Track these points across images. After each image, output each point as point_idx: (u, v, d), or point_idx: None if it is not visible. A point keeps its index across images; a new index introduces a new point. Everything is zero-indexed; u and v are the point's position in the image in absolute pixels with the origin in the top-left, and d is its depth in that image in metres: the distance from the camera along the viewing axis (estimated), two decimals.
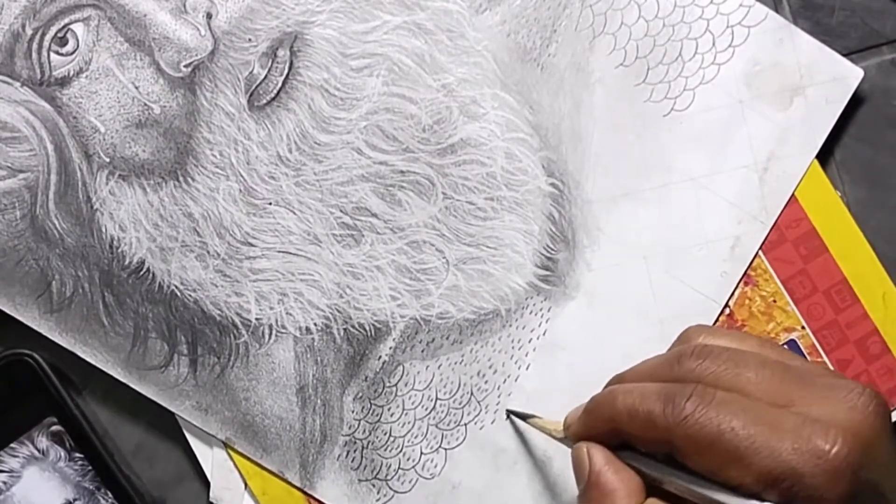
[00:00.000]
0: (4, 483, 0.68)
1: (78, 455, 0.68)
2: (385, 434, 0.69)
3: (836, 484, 0.48)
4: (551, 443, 0.63)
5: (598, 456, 0.56)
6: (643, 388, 0.54)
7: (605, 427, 0.56)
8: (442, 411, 0.69)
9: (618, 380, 0.60)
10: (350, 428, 0.69)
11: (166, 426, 0.70)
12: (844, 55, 0.70)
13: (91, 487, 0.68)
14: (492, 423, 0.69)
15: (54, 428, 0.68)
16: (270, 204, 0.68)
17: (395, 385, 0.69)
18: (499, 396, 0.69)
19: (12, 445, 0.68)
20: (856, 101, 0.71)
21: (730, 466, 0.50)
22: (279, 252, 0.68)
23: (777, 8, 0.71)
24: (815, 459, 0.48)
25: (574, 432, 0.58)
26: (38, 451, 0.68)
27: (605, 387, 0.59)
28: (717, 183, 0.69)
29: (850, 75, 0.70)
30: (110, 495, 0.68)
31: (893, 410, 0.64)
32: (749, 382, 0.53)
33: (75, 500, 0.68)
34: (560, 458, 0.69)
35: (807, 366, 0.55)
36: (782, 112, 0.70)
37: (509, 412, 0.69)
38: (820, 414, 0.50)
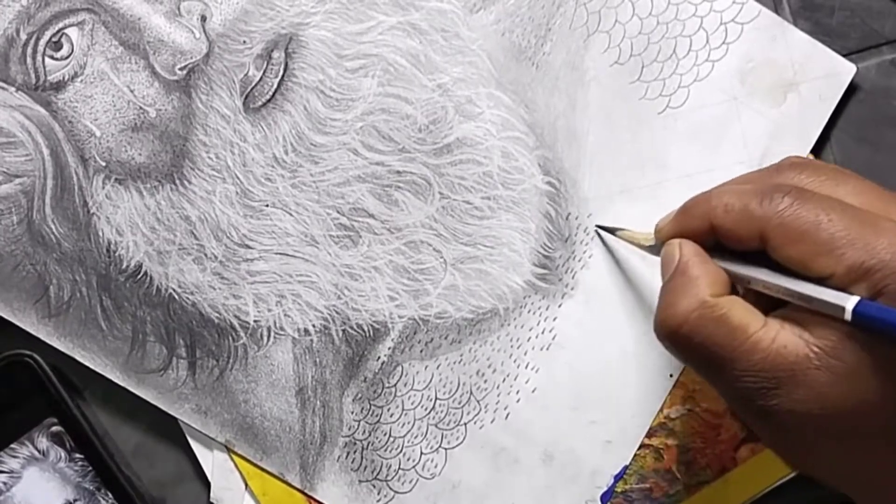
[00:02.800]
0: (5, 483, 0.67)
1: (78, 455, 0.68)
2: (385, 434, 0.68)
3: None
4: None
5: (688, 248, 0.56)
6: (741, 188, 0.54)
7: (698, 224, 0.56)
8: (441, 411, 0.68)
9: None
10: (350, 429, 0.68)
11: (166, 427, 0.70)
12: (844, 55, 0.70)
13: (91, 488, 0.68)
14: (491, 422, 0.69)
15: (54, 428, 0.68)
16: (267, 206, 0.67)
17: (395, 385, 0.68)
18: (498, 396, 0.69)
19: (12, 446, 0.68)
20: (856, 102, 0.71)
21: (822, 256, 0.49)
22: (276, 254, 0.68)
23: (777, 8, 0.71)
24: None
25: (666, 233, 0.58)
26: (39, 451, 0.68)
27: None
28: (712, 179, 0.68)
29: (843, 71, 0.69)
30: (110, 496, 0.68)
31: None
32: (848, 193, 0.53)
33: (75, 500, 0.68)
34: (561, 456, 0.68)
35: None
36: (776, 108, 0.70)
37: (598, 227, 0.69)
38: None
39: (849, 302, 0.48)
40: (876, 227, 0.49)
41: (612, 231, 0.67)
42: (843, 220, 0.50)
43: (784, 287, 0.51)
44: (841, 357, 0.49)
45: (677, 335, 0.54)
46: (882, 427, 0.50)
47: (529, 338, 0.69)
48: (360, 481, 0.68)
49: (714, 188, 0.57)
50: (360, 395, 0.68)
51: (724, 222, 0.54)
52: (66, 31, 0.67)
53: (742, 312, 0.52)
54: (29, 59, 0.67)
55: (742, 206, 0.53)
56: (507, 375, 0.68)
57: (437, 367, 0.68)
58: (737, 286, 0.55)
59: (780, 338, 0.51)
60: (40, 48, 0.67)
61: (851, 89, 0.70)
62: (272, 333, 0.68)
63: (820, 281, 0.50)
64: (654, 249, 0.60)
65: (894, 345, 0.48)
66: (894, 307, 0.47)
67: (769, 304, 0.53)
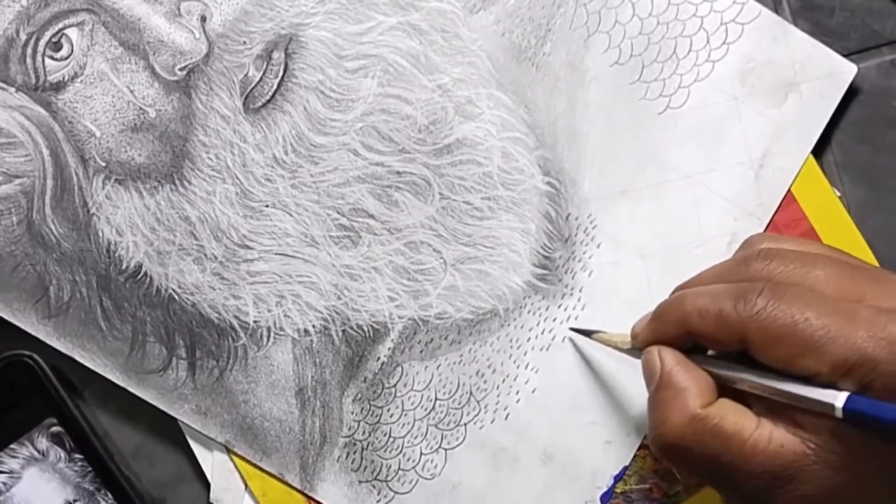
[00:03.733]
0: (4, 484, 0.67)
1: (78, 456, 0.68)
2: (385, 435, 0.68)
3: None
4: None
5: (669, 357, 0.55)
6: (712, 289, 0.54)
7: (674, 330, 0.56)
8: (441, 411, 0.68)
9: (682, 287, 0.59)
10: (349, 429, 0.68)
11: (166, 427, 0.70)
12: (844, 56, 0.69)
13: (91, 488, 0.68)
14: (491, 422, 0.68)
15: (54, 429, 0.68)
16: (267, 206, 0.67)
17: (395, 386, 0.68)
18: (498, 396, 0.68)
19: (12, 446, 0.68)
20: (856, 102, 0.71)
21: (804, 357, 0.49)
22: (276, 254, 0.68)
23: (777, 9, 0.71)
24: (892, 346, 0.48)
25: (643, 339, 0.58)
26: (38, 452, 0.68)
27: (671, 294, 0.59)
28: (712, 180, 0.69)
29: (844, 71, 0.69)
30: (110, 496, 0.68)
31: None
32: (819, 280, 0.52)
33: (75, 500, 0.68)
34: (561, 457, 0.68)
35: (873, 267, 0.55)
36: (777, 108, 0.69)
37: (572, 329, 0.68)
38: (893, 304, 0.50)
39: (837, 399, 0.48)
40: (853, 319, 0.49)
41: (587, 334, 0.67)
42: (819, 316, 0.49)
43: (771, 387, 0.51)
44: (835, 450, 0.50)
45: (675, 450, 0.54)
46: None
47: (529, 338, 0.68)
48: (359, 482, 0.68)
49: (686, 290, 0.56)
50: (359, 396, 0.68)
51: (700, 328, 0.54)
52: (65, 31, 0.67)
53: (735, 417, 0.52)
54: (29, 60, 0.67)
55: (717, 310, 0.53)
56: (507, 376, 0.68)
57: (437, 368, 0.68)
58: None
59: (776, 438, 0.51)
60: (40, 48, 0.67)
61: (852, 90, 0.70)
62: (272, 334, 0.68)
63: (806, 379, 0.50)
64: (634, 353, 0.60)
65: (882, 434, 0.48)
66: (882, 400, 0.47)
67: (756, 396, 0.54)
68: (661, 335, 0.57)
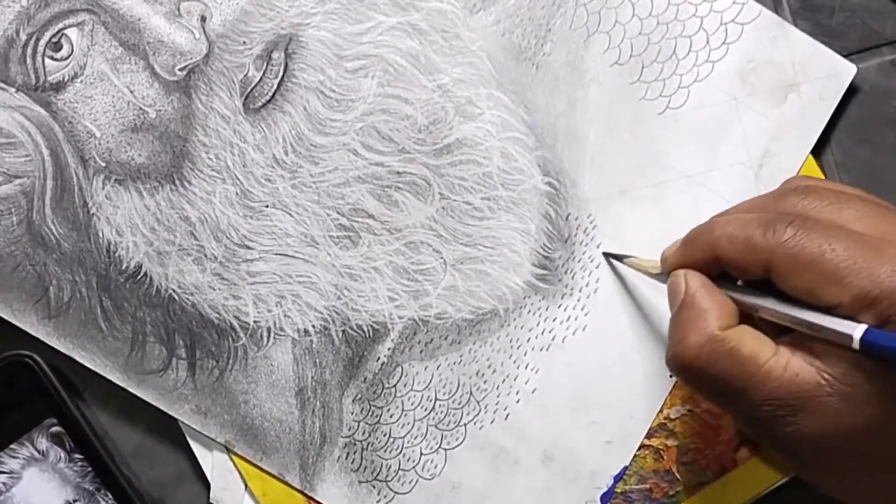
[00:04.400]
0: (4, 484, 0.67)
1: (78, 456, 0.68)
2: (385, 435, 0.68)
3: None
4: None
5: (694, 279, 0.56)
6: (743, 217, 0.55)
7: (703, 255, 0.56)
8: (441, 412, 0.68)
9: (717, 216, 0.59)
10: (349, 429, 0.68)
11: (166, 427, 0.69)
12: (844, 56, 0.69)
13: (91, 488, 0.68)
14: (491, 422, 0.68)
15: (54, 429, 0.68)
16: (267, 206, 0.67)
17: (395, 386, 0.68)
18: (498, 396, 0.68)
19: (12, 447, 0.67)
20: (856, 102, 0.71)
21: (828, 286, 0.50)
22: (276, 254, 0.67)
23: (777, 9, 0.71)
24: None
25: (671, 263, 0.59)
26: (38, 452, 0.68)
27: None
28: (712, 180, 0.69)
29: (844, 71, 0.69)
30: (110, 496, 0.67)
31: None
32: (851, 217, 0.53)
33: (75, 501, 0.67)
34: (561, 457, 0.68)
35: None
36: (777, 108, 0.69)
37: (605, 254, 0.69)
38: None
39: (856, 331, 0.48)
40: (880, 254, 0.50)
41: (619, 258, 0.68)
42: (847, 248, 0.50)
43: (791, 316, 0.52)
44: (851, 383, 0.50)
45: (690, 369, 0.54)
46: (893, 448, 0.51)
47: (529, 338, 0.68)
48: (359, 482, 0.68)
49: (717, 217, 0.57)
50: (359, 396, 0.68)
51: (728, 253, 0.54)
52: (65, 31, 0.67)
53: (752, 342, 0.53)
54: (29, 60, 0.67)
55: (746, 236, 0.53)
56: (507, 376, 0.68)
57: (437, 368, 0.68)
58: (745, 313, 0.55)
59: (792, 365, 0.51)
60: (40, 49, 0.67)
61: (852, 90, 0.70)
62: (272, 334, 0.68)
63: (827, 310, 0.50)
64: (662, 277, 0.60)
65: None
66: None
67: (779, 330, 0.54)
68: (690, 260, 0.57)
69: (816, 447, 0.52)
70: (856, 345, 0.48)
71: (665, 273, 0.59)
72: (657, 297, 0.68)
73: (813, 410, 0.51)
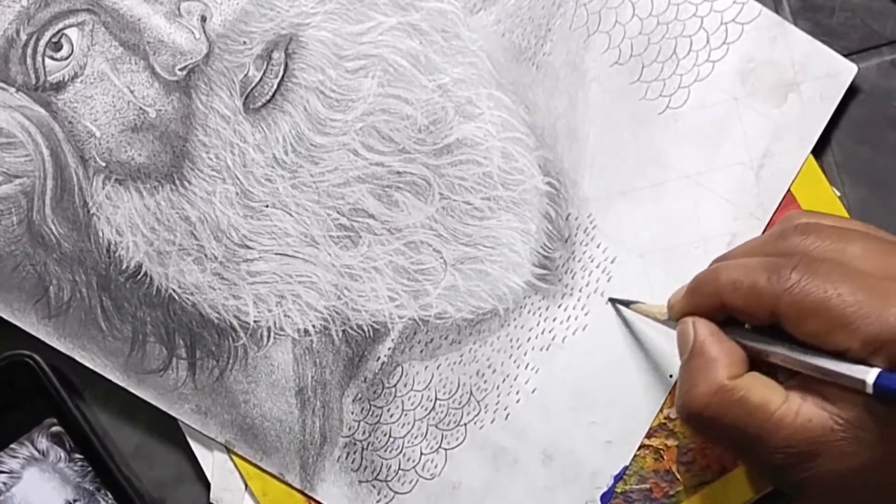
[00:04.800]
0: (4, 484, 0.67)
1: (78, 456, 0.67)
2: (385, 435, 0.68)
3: None
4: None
5: (703, 328, 0.56)
6: (747, 262, 0.55)
7: (708, 302, 0.56)
8: (441, 412, 0.68)
9: (720, 260, 0.60)
10: (350, 429, 0.68)
11: (166, 427, 0.69)
12: (844, 56, 0.69)
13: (91, 488, 0.67)
14: (491, 422, 0.68)
15: (54, 429, 0.67)
16: (267, 206, 0.67)
17: (395, 386, 0.68)
18: (498, 396, 0.68)
19: (12, 446, 0.67)
20: (856, 102, 0.70)
21: (836, 332, 0.50)
22: (276, 254, 0.67)
23: (777, 9, 0.70)
24: None
25: (678, 311, 0.59)
26: (39, 451, 0.67)
27: (708, 267, 0.59)
28: (712, 180, 0.69)
29: (844, 71, 0.69)
30: (110, 496, 0.67)
31: None
32: (854, 256, 0.53)
33: (75, 500, 0.67)
34: (561, 457, 0.68)
35: None
36: (777, 108, 0.69)
37: (612, 300, 0.68)
38: None
39: (868, 375, 0.48)
40: (886, 296, 0.49)
41: (626, 304, 0.67)
42: (853, 292, 0.50)
43: (802, 361, 0.52)
44: (864, 426, 0.50)
45: (700, 419, 0.55)
46: None
47: (529, 338, 0.68)
48: (360, 482, 0.68)
49: (721, 263, 0.57)
50: (360, 396, 0.68)
51: (733, 301, 0.54)
52: (66, 31, 0.67)
53: (762, 391, 0.53)
54: (29, 60, 0.67)
55: (750, 283, 0.53)
56: (507, 376, 0.68)
57: (437, 368, 0.68)
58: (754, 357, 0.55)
59: (804, 412, 0.51)
60: (40, 49, 0.67)
61: (852, 90, 0.69)
62: (272, 334, 0.68)
63: (837, 354, 0.50)
64: (670, 323, 0.60)
65: None
66: None
67: (789, 370, 0.54)
68: (696, 307, 0.57)
69: (831, 488, 0.52)
70: (869, 389, 0.48)
71: (672, 320, 0.60)
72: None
73: (827, 455, 0.51)
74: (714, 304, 0.56)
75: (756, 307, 0.53)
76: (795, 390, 0.53)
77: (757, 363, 0.55)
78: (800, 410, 0.51)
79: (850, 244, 0.53)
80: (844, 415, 0.50)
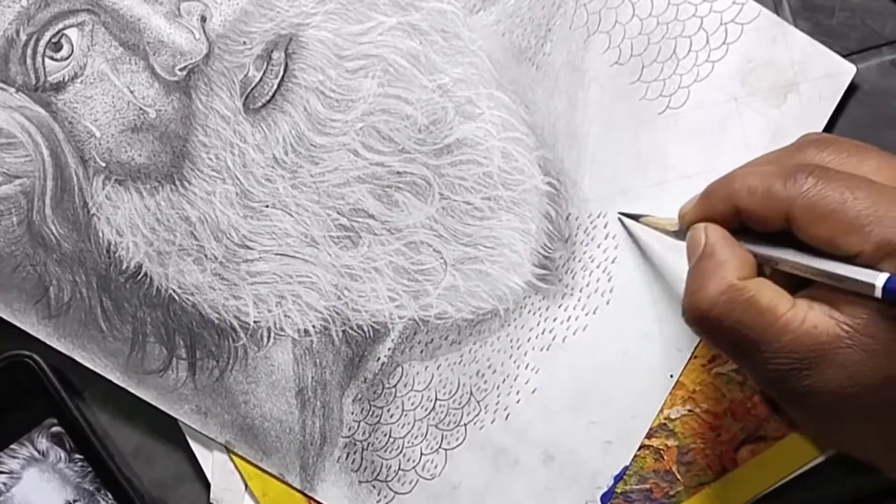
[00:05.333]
0: (4, 484, 0.67)
1: (78, 456, 0.67)
2: (385, 435, 0.68)
3: None
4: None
5: (714, 232, 0.56)
6: (763, 169, 0.54)
7: (722, 208, 0.56)
8: (441, 412, 0.68)
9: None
10: (350, 429, 0.68)
11: (166, 428, 0.69)
12: (844, 56, 0.69)
13: (91, 489, 0.67)
14: (492, 422, 0.68)
15: (54, 429, 0.67)
16: (267, 206, 0.67)
17: (395, 386, 0.68)
18: (498, 396, 0.68)
19: (12, 447, 0.67)
20: (856, 102, 0.70)
21: (849, 235, 0.50)
22: (276, 255, 0.67)
23: (777, 9, 0.70)
24: None
25: (690, 218, 0.58)
26: (39, 452, 0.67)
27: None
28: (712, 180, 0.67)
29: (843, 71, 0.69)
30: (110, 496, 0.67)
31: None
32: (871, 168, 0.53)
33: (75, 501, 0.67)
34: (561, 457, 0.68)
35: None
36: (776, 108, 0.69)
37: (621, 214, 0.68)
38: None
39: (878, 279, 0.48)
40: None
41: (635, 217, 0.67)
42: (868, 197, 0.50)
43: (812, 267, 0.51)
44: (872, 334, 0.50)
45: (706, 319, 0.54)
46: None
47: (529, 338, 0.68)
48: (360, 482, 0.68)
49: (736, 170, 0.57)
50: (360, 396, 0.68)
51: (748, 205, 0.54)
52: (65, 31, 0.67)
53: (770, 294, 0.53)
54: (29, 60, 0.67)
55: (766, 187, 0.53)
56: (507, 376, 0.68)
57: (438, 368, 0.68)
58: (764, 268, 0.55)
59: (810, 318, 0.51)
60: (40, 49, 0.66)
61: (852, 90, 0.69)
62: (272, 334, 0.68)
63: (848, 259, 0.50)
64: (679, 235, 0.60)
65: None
66: None
67: (796, 285, 0.54)
68: (709, 213, 0.57)
69: (830, 400, 0.52)
70: (878, 293, 0.48)
71: (683, 230, 0.59)
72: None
73: (830, 363, 0.51)
74: (727, 209, 0.55)
75: (770, 211, 0.53)
76: (804, 298, 0.53)
77: (767, 279, 0.55)
78: (807, 316, 0.51)
79: (866, 158, 0.54)
80: (851, 322, 0.50)
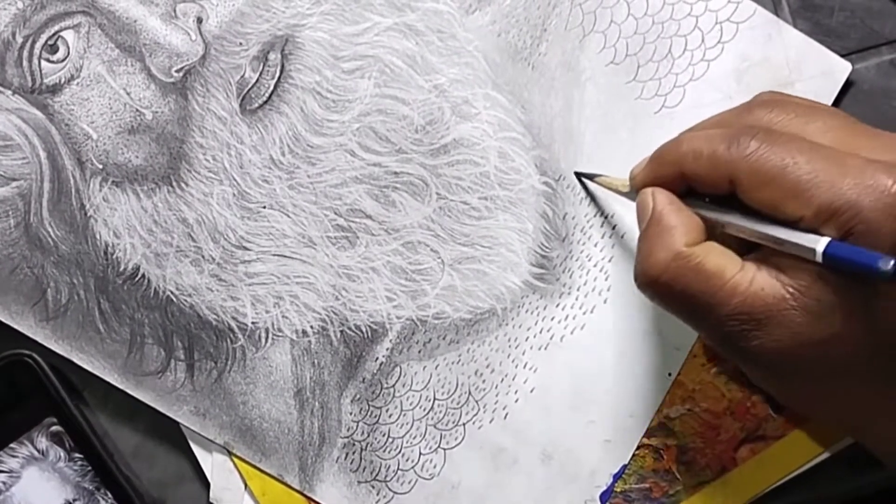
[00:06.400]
0: (4, 483, 0.67)
1: (77, 455, 0.67)
2: (383, 435, 0.68)
3: (894, 218, 0.48)
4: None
5: (662, 197, 0.56)
6: (709, 133, 0.55)
7: (670, 171, 0.57)
8: (440, 411, 0.68)
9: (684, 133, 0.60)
10: (348, 430, 0.68)
11: (166, 427, 0.69)
12: (844, 56, 0.69)
13: (91, 488, 0.67)
14: (490, 422, 0.68)
15: (54, 428, 0.67)
16: (264, 207, 0.67)
17: (393, 386, 0.68)
18: (496, 396, 0.68)
19: (12, 446, 0.67)
20: (856, 102, 0.70)
21: (790, 200, 0.50)
22: (274, 255, 0.67)
23: (776, 9, 0.70)
24: (877, 193, 0.48)
25: (640, 181, 0.59)
26: (38, 451, 0.67)
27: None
28: None
29: (839, 69, 0.69)
30: (110, 496, 0.67)
31: None
32: (817, 130, 0.53)
33: (75, 500, 0.67)
34: (560, 456, 0.68)
35: (874, 128, 0.55)
36: None
37: (577, 174, 0.68)
38: (886, 158, 0.50)
39: (818, 244, 0.49)
40: (842, 166, 0.50)
41: (590, 177, 0.67)
42: (809, 161, 0.50)
43: (756, 231, 0.52)
44: (815, 296, 0.51)
45: (657, 285, 0.55)
46: (855, 362, 0.52)
47: (527, 338, 0.68)
48: (359, 482, 0.68)
49: (684, 132, 0.58)
50: (358, 396, 0.68)
51: (693, 169, 0.55)
52: (62, 33, 0.66)
53: (718, 258, 0.53)
54: (25, 63, 0.66)
55: (710, 151, 0.53)
56: (506, 375, 0.68)
57: (436, 368, 0.68)
58: (715, 230, 0.56)
59: (757, 280, 0.52)
60: (36, 51, 0.66)
61: (852, 89, 0.69)
62: (270, 335, 0.67)
63: (791, 224, 0.50)
64: (631, 195, 0.60)
65: (862, 283, 0.49)
66: (862, 246, 0.48)
67: (746, 246, 0.54)
68: (657, 177, 0.57)
69: (779, 359, 0.53)
70: (818, 258, 0.49)
71: (634, 191, 0.60)
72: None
73: (777, 324, 0.51)
74: (674, 173, 0.56)
75: (715, 175, 0.53)
76: (751, 261, 0.53)
77: (714, 239, 0.55)
78: (754, 279, 0.52)
79: (814, 119, 0.54)
80: (796, 284, 0.51)
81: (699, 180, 0.55)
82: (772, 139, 0.52)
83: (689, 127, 0.60)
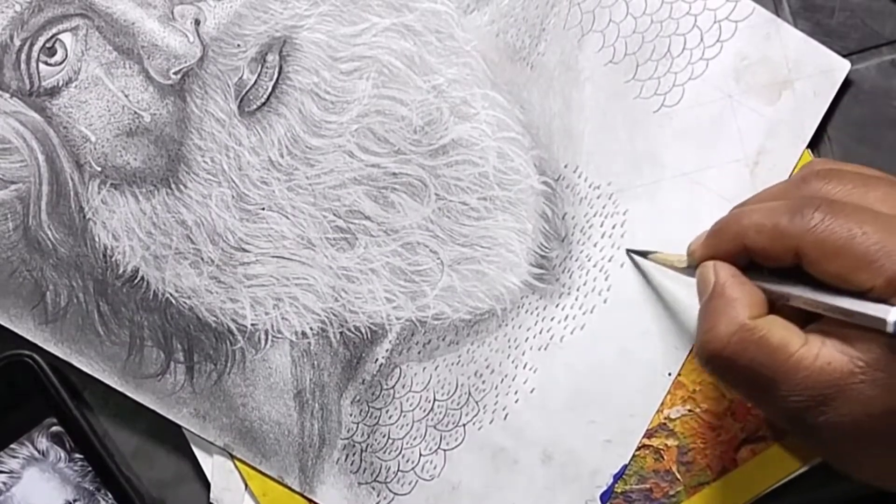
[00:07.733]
0: (4, 484, 0.67)
1: (78, 456, 0.67)
2: (384, 436, 0.67)
3: None
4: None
5: (724, 270, 0.55)
6: (769, 205, 0.54)
7: (730, 246, 0.56)
8: (440, 412, 0.67)
9: (740, 206, 0.59)
10: (348, 431, 0.67)
11: (166, 427, 0.68)
12: (844, 56, 0.69)
13: (91, 488, 0.67)
14: (490, 423, 0.67)
15: (54, 429, 0.67)
16: (263, 209, 0.66)
17: (393, 387, 0.67)
18: (496, 396, 0.67)
19: (12, 446, 0.67)
20: (856, 102, 0.70)
21: (859, 270, 0.49)
22: (273, 257, 0.67)
23: (777, 9, 0.70)
24: None
25: (699, 256, 0.58)
26: (38, 451, 0.67)
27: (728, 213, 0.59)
28: (708, 177, 0.68)
29: (837, 67, 0.68)
30: (110, 496, 0.67)
31: None
32: (877, 199, 0.52)
33: (75, 500, 0.67)
34: (560, 456, 0.67)
35: None
36: (771, 106, 0.68)
37: (629, 251, 0.68)
38: None
39: (890, 314, 0.47)
40: None
41: (643, 254, 0.66)
42: (877, 231, 0.49)
43: (823, 303, 0.51)
44: (885, 369, 0.49)
45: (719, 359, 0.53)
46: None
47: (527, 338, 0.67)
48: (359, 483, 0.67)
49: (743, 207, 0.57)
50: (358, 398, 0.67)
51: (756, 242, 0.53)
52: (59, 36, 0.66)
53: (782, 332, 0.52)
54: (23, 66, 0.66)
55: (773, 224, 0.52)
56: (506, 376, 0.67)
57: (436, 369, 0.67)
58: (775, 302, 0.54)
59: (823, 354, 0.50)
60: (34, 54, 0.66)
61: (852, 90, 0.69)
62: (269, 337, 0.67)
63: (859, 294, 0.49)
64: (689, 271, 0.60)
65: None
66: None
67: (807, 318, 0.53)
68: (717, 251, 0.56)
69: (847, 434, 0.51)
70: (890, 328, 0.47)
71: (692, 266, 0.59)
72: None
73: (846, 399, 0.50)
74: (736, 247, 0.55)
75: (779, 248, 0.52)
76: (816, 334, 0.52)
77: (777, 312, 0.54)
78: (819, 353, 0.51)
79: (871, 188, 0.53)
80: (865, 357, 0.49)
81: (762, 253, 0.53)
82: (835, 210, 0.50)
83: (742, 202, 0.59)
